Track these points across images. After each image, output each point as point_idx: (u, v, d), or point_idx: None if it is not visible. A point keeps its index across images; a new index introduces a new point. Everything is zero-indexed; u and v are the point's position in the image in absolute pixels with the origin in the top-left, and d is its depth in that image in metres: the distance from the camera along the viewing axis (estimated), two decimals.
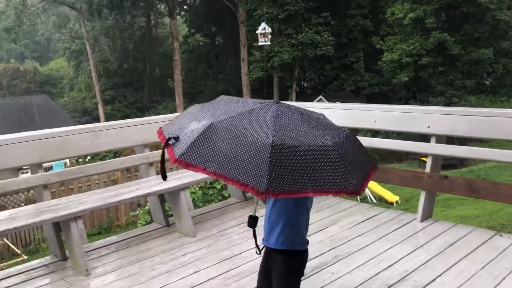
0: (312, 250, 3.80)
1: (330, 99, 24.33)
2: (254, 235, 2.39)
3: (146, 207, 10.59)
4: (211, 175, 1.89)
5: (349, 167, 1.93)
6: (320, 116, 2.36)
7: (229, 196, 10.49)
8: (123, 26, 33.70)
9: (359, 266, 3.49)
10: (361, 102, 24.62)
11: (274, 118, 2.00)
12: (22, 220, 3.41)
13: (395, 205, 13.97)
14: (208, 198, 11.26)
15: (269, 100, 2.22)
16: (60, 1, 31.41)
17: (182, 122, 2.16)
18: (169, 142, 2.05)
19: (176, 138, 2.05)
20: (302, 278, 3.28)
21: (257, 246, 2.42)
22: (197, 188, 11.13)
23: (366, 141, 5.88)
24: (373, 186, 14.68)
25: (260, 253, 2.46)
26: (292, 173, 1.82)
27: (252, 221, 2.37)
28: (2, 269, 7.33)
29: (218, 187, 11.50)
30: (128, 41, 34.43)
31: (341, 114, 5.17)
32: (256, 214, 2.35)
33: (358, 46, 28.59)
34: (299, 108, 2.29)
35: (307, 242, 2.42)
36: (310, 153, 1.89)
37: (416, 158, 21.68)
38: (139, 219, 10.76)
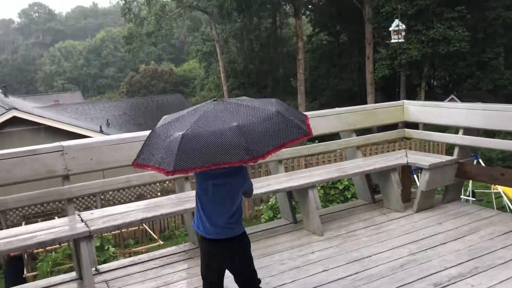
0: (448, 258, 3.62)
1: (463, 99, 22.56)
2: None
3: (269, 203, 10.84)
4: (134, 166, 2.52)
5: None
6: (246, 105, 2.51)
7: (352, 197, 10.32)
8: (250, 28, 34.95)
9: (504, 280, 3.21)
10: (499, 102, 22.43)
11: (201, 114, 2.42)
12: (167, 208, 3.76)
13: None
14: (330, 198, 11.17)
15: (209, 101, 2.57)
16: (194, 6, 33.57)
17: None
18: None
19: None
20: None
21: None
22: (318, 188, 11.11)
23: (509, 145, 5.38)
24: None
25: None
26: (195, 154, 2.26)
27: None
28: (142, 252, 8.11)
29: (340, 187, 11.34)
30: (254, 42, 35.65)
31: (482, 114, 4.79)
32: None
33: (497, 41, 26.08)
34: (238, 103, 2.51)
35: (211, 233, 2.65)
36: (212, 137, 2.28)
37: None
38: (262, 214, 11.08)
